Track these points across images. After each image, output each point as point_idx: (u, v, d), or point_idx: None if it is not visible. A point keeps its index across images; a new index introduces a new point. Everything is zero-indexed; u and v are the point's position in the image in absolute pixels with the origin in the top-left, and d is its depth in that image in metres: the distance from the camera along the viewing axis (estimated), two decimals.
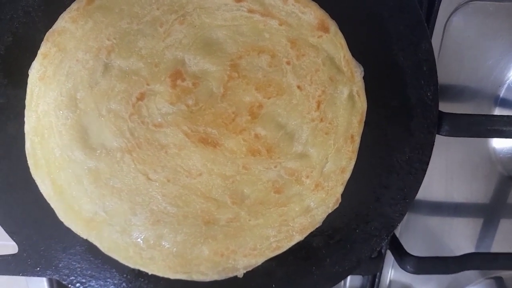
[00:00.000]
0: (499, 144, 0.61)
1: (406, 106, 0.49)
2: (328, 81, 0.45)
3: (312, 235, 0.51)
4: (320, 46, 0.44)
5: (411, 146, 0.50)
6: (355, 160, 0.49)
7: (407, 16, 0.45)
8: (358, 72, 0.45)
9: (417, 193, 0.51)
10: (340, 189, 0.49)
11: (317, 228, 0.51)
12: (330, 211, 0.50)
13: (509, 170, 0.64)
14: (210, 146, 0.46)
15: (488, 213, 0.68)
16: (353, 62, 0.45)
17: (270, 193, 0.48)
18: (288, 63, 0.45)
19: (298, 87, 0.45)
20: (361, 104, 0.47)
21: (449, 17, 0.54)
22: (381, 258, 0.60)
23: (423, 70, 0.47)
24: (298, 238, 0.50)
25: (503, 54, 0.57)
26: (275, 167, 0.47)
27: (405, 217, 0.54)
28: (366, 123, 0.49)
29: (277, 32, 0.44)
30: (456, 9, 0.54)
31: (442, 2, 0.52)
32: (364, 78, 0.46)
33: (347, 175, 0.49)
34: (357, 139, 0.48)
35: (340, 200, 0.50)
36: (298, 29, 0.44)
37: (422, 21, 0.45)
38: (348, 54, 0.45)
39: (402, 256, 0.58)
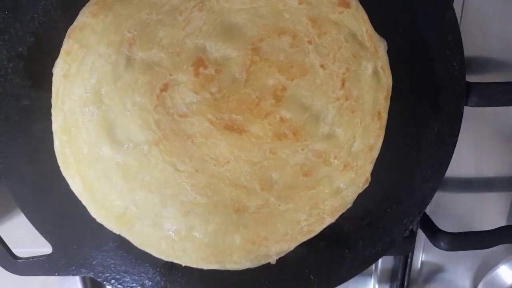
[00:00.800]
0: None
1: (432, 79, 0.47)
2: (351, 58, 0.44)
3: (342, 218, 0.50)
4: (341, 22, 0.44)
5: (439, 120, 0.49)
6: (383, 137, 0.48)
7: None
8: (381, 47, 0.44)
9: (448, 166, 0.50)
10: (370, 167, 0.48)
11: (347, 211, 0.50)
12: (360, 191, 0.49)
13: None
14: (236, 132, 0.46)
15: None
16: (376, 36, 0.44)
17: (298, 176, 0.48)
18: (309, 42, 0.44)
19: (321, 66, 0.44)
20: (386, 79, 0.46)
21: None
22: (413, 237, 0.59)
23: (448, 40, 0.46)
24: (329, 220, 0.50)
25: None
26: (302, 150, 0.47)
27: (435, 195, 0.53)
28: (392, 99, 0.48)
29: (297, 11, 0.43)
30: None
31: None
32: (388, 52, 0.45)
33: (375, 153, 0.48)
34: (384, 116, 0.47)
35: (370, 179, 0.49)
36: (318, 6, 0.43)
37: None
38: (371, 29, 0.44)
39: (435, 234, 0.57)
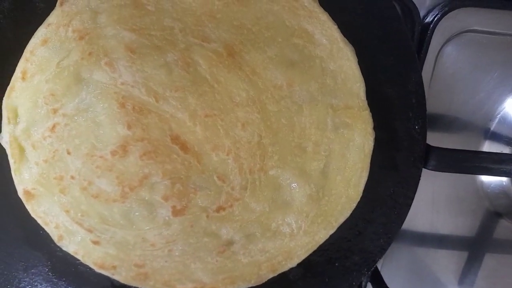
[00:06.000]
0: (486, 178, 0.59)
1: (393, 139, 0.47)
2: None
3: None
4: None
5: (396, 179, 0.48)
6: None
7: (398, 46, 0.43)
8: None
9: (400, 228, 0.49)
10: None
11: None
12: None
13: (496, 205, 0.62)
14: None
15: (473, 248, 0.66)
16: None
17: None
18: None
19: None
20: None
21: (442, 47, 0.52)
22: None
23: (411, 102, 0.45)
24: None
25: (495, 87, 0.56)
26: None
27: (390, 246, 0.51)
28: None
29: None
30: (449, 40, 0.52)
31: (435, 32, 0.50)
32: None
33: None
34: None
35: None
36: None
37: (413, 52, 0.43)
38: None
39: None
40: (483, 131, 0.58)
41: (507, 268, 0.67)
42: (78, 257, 0.47)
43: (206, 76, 0.42)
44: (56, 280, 0.49)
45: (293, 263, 0.48)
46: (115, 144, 0.43)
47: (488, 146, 0.58)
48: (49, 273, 0.49)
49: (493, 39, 0.54)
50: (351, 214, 0.49)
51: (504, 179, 0.59)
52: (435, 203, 0.62)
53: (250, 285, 0.48)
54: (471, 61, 0.54)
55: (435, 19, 0.48)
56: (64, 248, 0.47)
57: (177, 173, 0.44)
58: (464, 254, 0.66)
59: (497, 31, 0.53)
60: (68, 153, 0.43)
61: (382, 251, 0.50)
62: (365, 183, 0.46)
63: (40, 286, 0.49)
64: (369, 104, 0.45)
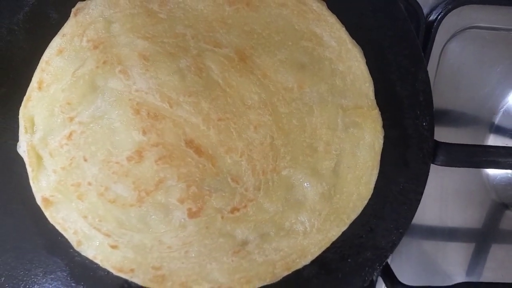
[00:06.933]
0: (492, 171, 0.60)
1: (402, 136, 0.48)
2: None
3: None
4: None
5: (406, 176, 0.49)
6: None
7: (405, 46, 0.44)
8: None
9: (410, 223, 0.50)
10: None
11: None
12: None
13: (502, 197, 0.63)
14: None
15: (480, 239, 0.67)
16: None
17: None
18: None
19: None
20: None
21: (446, 44, 0.53)
22: (372, 286, 0.59)
23: (419, 100, 0.46)
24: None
25: (499, 82, 0.57)
26: None
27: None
28: None
29: None
30: (453, 36, 0.53)
31: (439, 29, 0.51)
32: None
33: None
34: None
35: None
36: None
37: (419, 51, 0.44)
38: None
39: (394, 285, 0.57)
40: (487, 125, 0.59)
41: None
42: (97, 261, 0.48)
43: (219, 80, 0.43)
44: (74, 285, 0.50)
45: (307, 260, 0.49)
46: (131, 150, 0.44)
47: (493, 140, 0.59)
48: (68, 278, 0.50)
49: (496, 35, 0.55)
50: (363, 211, 0.50)
51: (510, 171, 0.60)
52: (443, 197, 0.63)
53: (265, 284, 0.49)
54: (475, 57, 0.55)
55: (439, 17, 0.49)
56: (83, 253, 0.48)
57: (192, 176, 0.45)
58: (472, 246, 0.68)
59: (499, 26, 0.54)
60: (85, 160, 0.44)
61: (393, 246, 0.51)
62: (375, 180, 0.47)
63: None
64: (378, 103, 0.46)
